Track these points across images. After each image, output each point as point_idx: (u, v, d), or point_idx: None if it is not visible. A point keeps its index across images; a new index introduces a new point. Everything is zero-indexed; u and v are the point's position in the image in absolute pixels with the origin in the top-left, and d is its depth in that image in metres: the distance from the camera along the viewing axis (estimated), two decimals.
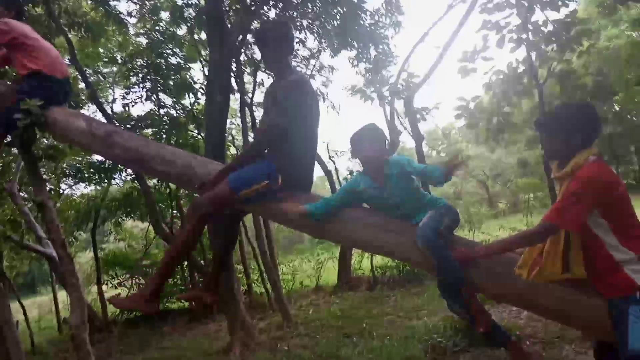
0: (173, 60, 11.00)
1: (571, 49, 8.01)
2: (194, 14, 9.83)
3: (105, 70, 12.62)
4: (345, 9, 8.64)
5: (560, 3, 7.47)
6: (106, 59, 11.72)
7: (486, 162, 33.55)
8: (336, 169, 14.12)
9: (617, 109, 22.12)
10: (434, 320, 6.94)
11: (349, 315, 8.74)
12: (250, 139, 13.47)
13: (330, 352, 6.41)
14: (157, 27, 10.55)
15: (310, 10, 9.11)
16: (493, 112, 8.26)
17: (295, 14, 9.65)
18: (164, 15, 10.58)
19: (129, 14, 10.15)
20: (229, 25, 8.82)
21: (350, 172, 11.02)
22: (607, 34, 14.18)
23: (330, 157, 14.08)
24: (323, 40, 10.19)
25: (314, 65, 12.29)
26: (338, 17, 9.25)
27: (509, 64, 8.15)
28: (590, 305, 2.32)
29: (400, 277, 11.15)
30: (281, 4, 8.63)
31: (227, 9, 8.82)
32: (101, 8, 9.03)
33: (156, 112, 11.02)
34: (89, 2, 9.54)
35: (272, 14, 9.14)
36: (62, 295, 13.40)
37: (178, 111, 11.85)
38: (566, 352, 4.79)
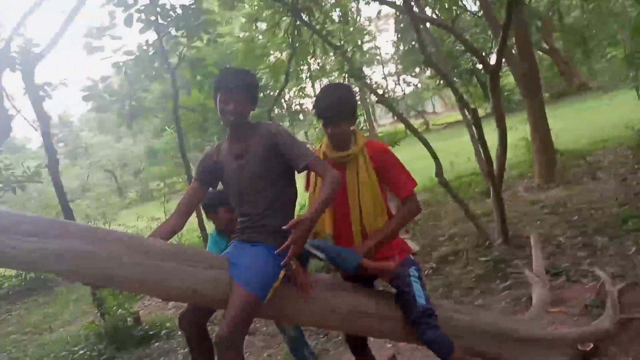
0: None
1: (199, 36, 8.14)
2: None
3: None
4: None
5: None
6: None
7: (113, 151, 32.28)
8: None
9: None
10: (71, 331, 6.07)
11: None
12: None
13: None
14: None
15: None
16: (126, 96, 7.74)
17: None
18: None
19: None
20: None
21: None
22: (221, 31, 15.25)
23: None
24: None
25: None
26: None
27: (140, 45, 7.73)
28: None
29: (23, 287, 9.51)
30: None
31: None
32: None
33: None
34: None
35: None
36: None
37: None
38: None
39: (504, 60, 6.25)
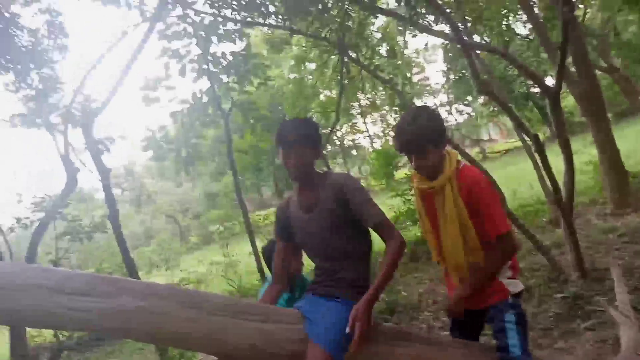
0: None
1: (249, 81, 8.31)
2: None
3: None
4: None
5: (235, 36, 7.67)
6: None
7: (174, 197, 33.36)
8: None
9: None
10: None
11: None
12: None
13: None
14: None
15: None
16: (181, 143, 7.96)
17: None
18: None
19: None
20: None
21: (19, 220, 9.15)
22: (271, 74, 15.64)
23: None
24: None
25: None
26: None
27: (194, 94, 7.97)
28: None
29: (92, 336, 9.72)
30: None
31: None
32: None
33: None
34: None
35: None
36: None
37: None
38: None
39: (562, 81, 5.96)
